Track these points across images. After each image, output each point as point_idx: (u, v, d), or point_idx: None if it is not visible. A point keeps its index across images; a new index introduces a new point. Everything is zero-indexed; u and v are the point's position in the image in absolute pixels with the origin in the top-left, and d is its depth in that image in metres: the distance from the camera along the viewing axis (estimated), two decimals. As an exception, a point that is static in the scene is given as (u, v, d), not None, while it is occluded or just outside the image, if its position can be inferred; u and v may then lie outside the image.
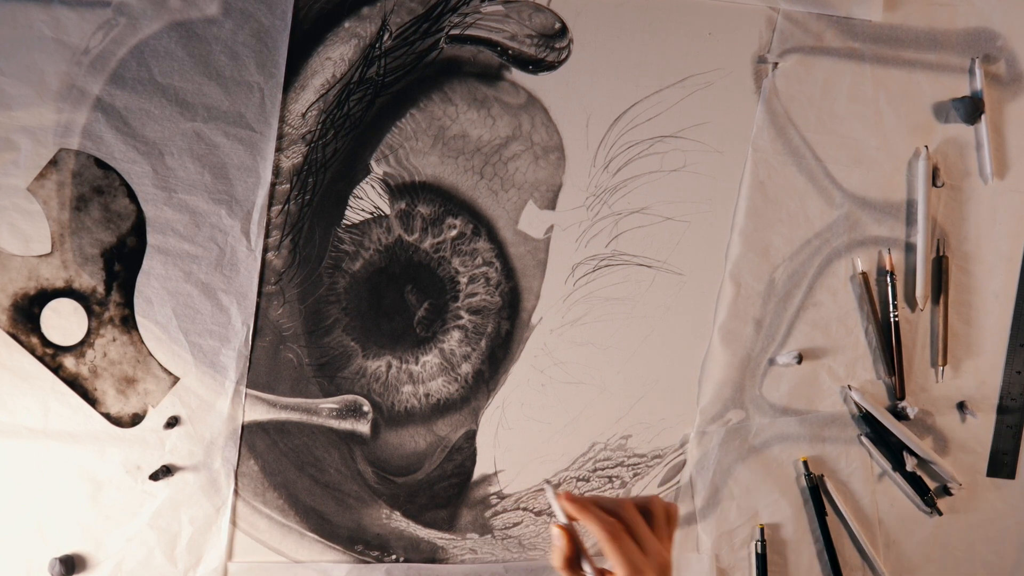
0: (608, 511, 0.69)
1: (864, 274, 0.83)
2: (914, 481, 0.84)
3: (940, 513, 0.84)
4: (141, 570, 0.81)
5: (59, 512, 0.81)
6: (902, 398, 0.84)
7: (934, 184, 0.84)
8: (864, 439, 0.84)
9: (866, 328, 0.84)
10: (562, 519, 0.69)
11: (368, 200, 0.82)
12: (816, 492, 0.84)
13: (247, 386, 0.81)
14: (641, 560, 0.67)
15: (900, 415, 0.84)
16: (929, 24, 0.83)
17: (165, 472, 0.81)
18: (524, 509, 0.84)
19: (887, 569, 0.85)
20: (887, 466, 0.84)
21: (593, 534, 0.68)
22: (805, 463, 0.84)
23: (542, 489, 0.83)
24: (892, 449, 0.84)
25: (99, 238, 0.79)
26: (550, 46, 0.82)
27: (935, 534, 0.86)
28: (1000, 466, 0.86)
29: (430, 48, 0.81)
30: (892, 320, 0.84)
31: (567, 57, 0.82)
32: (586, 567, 0.70)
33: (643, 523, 0.69)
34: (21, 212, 0.78)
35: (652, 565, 0.68)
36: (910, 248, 0.84)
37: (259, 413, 0.82)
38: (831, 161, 0.83)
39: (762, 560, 0.83)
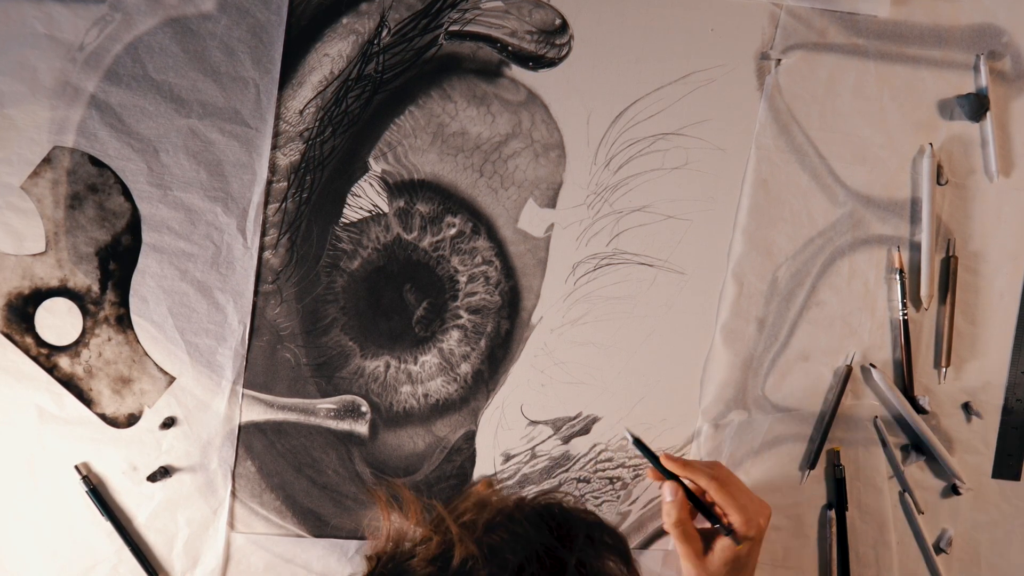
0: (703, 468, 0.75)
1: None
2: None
3: (959, 493, 0.84)
4: (138, 572, 0.81)
5: (54, 514, 0.80)
6: (912, 396, 0.83)
7: (938, 182, 0.83)
8: (878, 422, 0.83)
9: (871, 328, 0.84)
10: (663, 471, 0.75)
11: (366, 198, 0.81)
12: (842, 485, 0.83)
13: (244, 386, 0.81)
14: (752, 507, 0.70)
15: (915, 408, 0.83)
16: (933, 20, 0.83)
17: (163, 473, 0.80)
18: (524, 511, 0.83)
19: (898, 570, 0.84)
20: (898, 462, 0.84)
21: (701, 484, 0.73)
22: (837, 453, 0.83)
23: (624, 438, 0.82)
24: (905, 428, 0.83)
25: (94, 236, 0.79)
26: (550, 42, 0.81)
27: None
28: (1005, 468, 0.85)
29: (429, 44, 0.80)
30: (901, 318, 0.83)
31: (568, 53, 0.81)
32: (704, 521, 0.74)
33: (737, 479, 0.72)
34: (15, 210, 0.78)
35: (762, 510, 0.71)
36: (914, 247, 0.84)
37: (256, 413, 0.81)
38: (835, 159, 0.83)
39: (842, 484, 0.83)
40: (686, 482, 0.76)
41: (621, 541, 0.60)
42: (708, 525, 0.75)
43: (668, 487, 0.75)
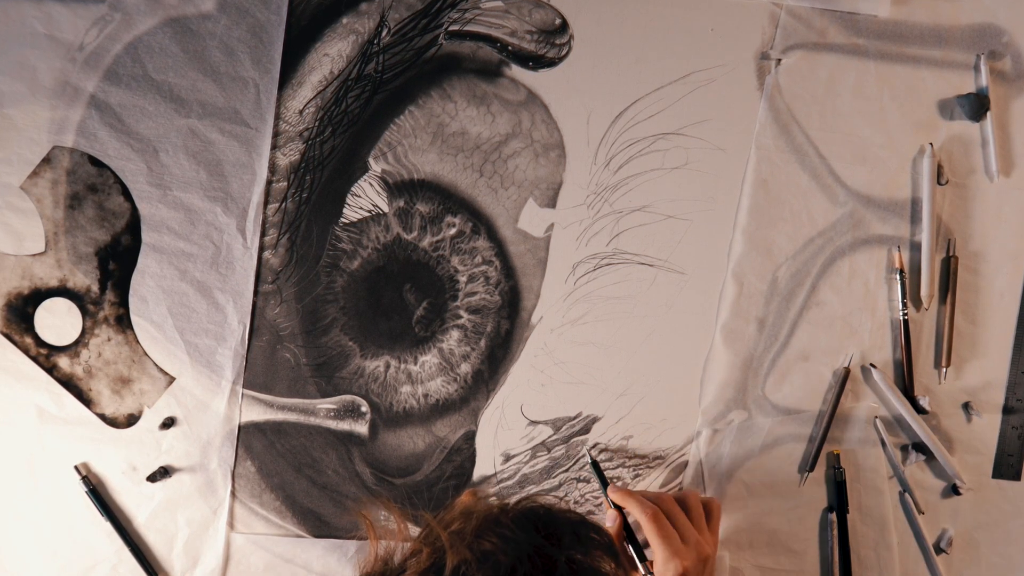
0: (650, 500, 0.76)
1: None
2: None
3: (959, 493, 0.84)
4: (137, 573, 0.80)
5: (54, 514, 0.80)
6: (912, 396, 0.83)
7: (939, 182, 0.83)
8: (878, 422, 0.83)
9: (871, 328, 0.84)
10: (608, 499, 0.78)
11: (366, 198, 0.81)
12: (843, 488, 0.83)
13: (244, 386, 0.81)
14: (679, 545, 0.73)
15: (916, 407, 0.83)
16: (934, 20, 0.82)
17: (163, 474, 0.80)
18: (524, 511, 0.83)
19: (900, 571, 0.84)
20: (898, 462, 0.83)
21: (636, 518, 0.76)
22: (837, 456, 0.83)
23: (583, 456, 0.83)
24: (905, 428, 0.83)
25: (93, 236, 0.79)
26: (550, 42, 0.81)
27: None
28: (1006, 467, 0.85)
29: (429, 44, 0.80)
30: (901, 318, 0.83)
31: (567, 53, 0.81)
32: (630, 548, 0.77)
33: (682, 514, 0.77)
34: (14, 210, 0.78)
35: (690, 553, 0.72)
36: (915, 247, 0.84)
37: (256, 413, 0.81)
38: (835, 159, 0.83)
39: (842, 487, 0.83)
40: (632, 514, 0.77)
41: (606, 536, 0.62)
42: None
43: (609, 515, 0.79)
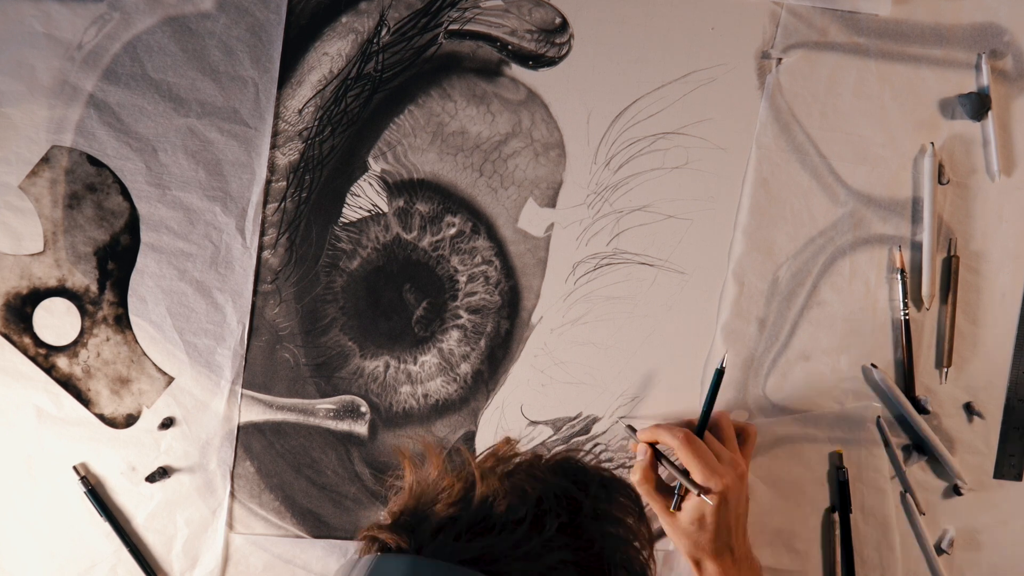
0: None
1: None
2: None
3: (960, 493, 0.84)
4: (136, 573, 0.80)
5: (52, 514, 0.80)
6: (913, 396, 0.83)
7: (940, 181, 0.83)
8: (881, 422, 0.83)
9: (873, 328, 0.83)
10: (637, 442, 0.80)
11: (366, 198, 0.81)
12: (845, 487, 0.82)
13: (243, 386, 0.81)
14: (716, 464, 0.74)
15: (917, 407, 0.83)
16: (935, 19, 0.82)
17: (162, 474, 0.80)
18: (524, 511, 0.83)
19: (903, 572, 0.84)
20: (900, 462, 0.83)
21: (668, 444, 0.77)
22: (840, 456, 0.83)
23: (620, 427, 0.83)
24: (907, 428, 0.83)
25: (92, 236, 0.78)
26: (550, 41, 0.81)
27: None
28: (1007, 468, 0.85)
29: (429, 43, 0.80)
30: (903, 318, 0.83)
31: (568, 52, 0.81)
32: (669, 472, 0.76)
33: (712, 437, 0.77)
34: (13, 210, 0.78)
35: (728, 471, 0.73)
36: (916, 246, 0.83)
37: (255, 414, 0.81)
38: (835, 158, 0.83)
39: (845, 487, 0.83)
40: (664, 446, 0.78)
41: (634, 493, 0.63)
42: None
43: (640, 448, 0.79)
